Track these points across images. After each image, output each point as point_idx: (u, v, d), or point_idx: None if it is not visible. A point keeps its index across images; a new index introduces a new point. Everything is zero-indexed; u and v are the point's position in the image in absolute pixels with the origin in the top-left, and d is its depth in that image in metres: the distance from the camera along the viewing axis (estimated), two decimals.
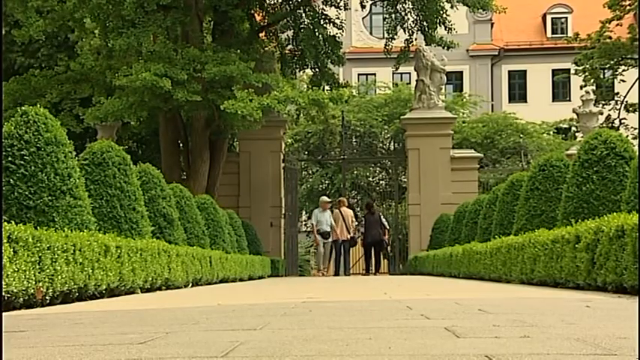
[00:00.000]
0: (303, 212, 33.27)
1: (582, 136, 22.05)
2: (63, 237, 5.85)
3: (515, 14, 41.82)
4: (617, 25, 30.79)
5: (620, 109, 33.21)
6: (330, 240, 21.81)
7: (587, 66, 31.76)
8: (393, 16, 22.71)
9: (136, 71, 18.00)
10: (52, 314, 4.60)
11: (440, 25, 21.91)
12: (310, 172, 34.49)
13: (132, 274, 7.55)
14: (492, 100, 45.06)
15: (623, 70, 32.47)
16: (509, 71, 47.59)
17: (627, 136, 16.19)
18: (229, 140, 23.53)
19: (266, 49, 21.80)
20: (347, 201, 23.62)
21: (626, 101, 32.96)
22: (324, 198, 22.75)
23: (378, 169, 34.69)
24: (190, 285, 10.61)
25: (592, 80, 32.21)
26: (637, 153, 7.91)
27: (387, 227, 22.92)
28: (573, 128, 35.63)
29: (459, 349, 2.33)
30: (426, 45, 23.37)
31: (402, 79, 40.19)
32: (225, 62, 18.39)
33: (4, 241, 4.92)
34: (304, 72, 25.58)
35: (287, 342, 2.60)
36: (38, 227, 5.83)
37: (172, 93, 17.99)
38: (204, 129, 20.74)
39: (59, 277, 5.67)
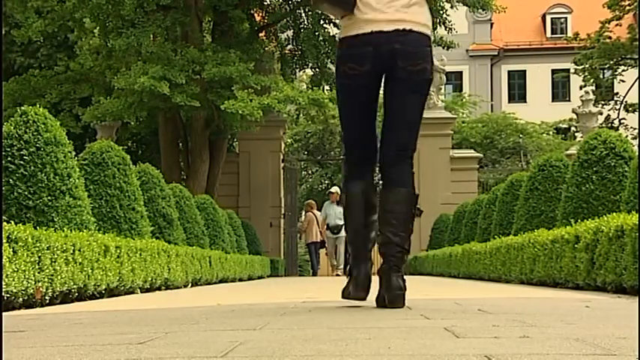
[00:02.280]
0: (303, 212, 33.31)
1: (582, 136, 22.08)
2: (62, 237, 5.85)
3: (515, 14, 41.85)
4: (617, 25, 30.82)
5: (619, 109, 33.24)
6: (343, 235, 19.78)
7: (587, 66, 31.79)
8: None
9: (135, 73, 18.01)
10: (51, 314, 4.60)
11: (440, 25, 21.92)
12: (310, 172, 34.54)
13: (131, 274, 7.55)
14: (492, 100, 45.11)
15: (623, 71, 32.50)
16: (509, 71, 47.65)
17: (627, 136, 16.19)
18: (229, 140, 23.56)
19: (266, 49, 21.81)
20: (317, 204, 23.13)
21: (626, 101, 32.99)
22: (336, 188, 21.11)
23: (376, 168, 34.69)
24: (190, 285, 10.61)
25: (591, 80, 32.24)
26: (636, 153, 7.92)
27: None
28: (573, 128, 35.67)
29: (458, 349, 2.33)
30: None
31: None
32: (224, 62, 18.40)
33: (4, 241, 4.92)
34: (304, 72, 25.60)
35: (286, 342, 2.60)
36: (38, 227, 5.83)
37: (171, 96, 18.00)
38: (203, 129, 20.75)
39: (59, 277, 5.67)
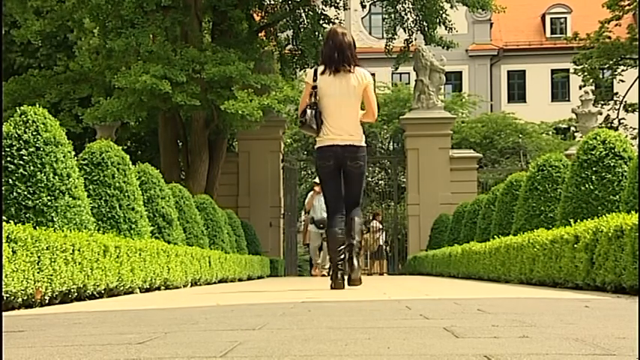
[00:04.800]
0: (302, 212, 33.32)
1: (581, 136, 22.08)
2: (62, 237, 5.84)
3: (515, 14, 41.88)
4: (616, 25, 30.83)
5: (619, 109, 33.24)
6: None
7: (587, 66, 31.80)
8: (393, 15, 22.72)
9: (135, 73, 18.00)
10: (50, 314, 4.60)
11: (440, 25, 21.93)
12: (309, 172, 34.50)
13: (131, 274, 7.55)
14: (491, 100, 45.10)
15: (622, 70, 32.51)
16: (509, 71, 47.64)
17: (626, 136, 16.14)
18: (228, 140, 23.56)
19: (265, 48, 21.82)
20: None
21: (625, 101, 33.00)
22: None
23: (377, 169, 34.73)
24: (189, 285, 10.61)
25: (591, 80, 32.24)
26: (636, 153, 7.91)
27: None
28: (572, 128, 35.67)
29: (457, 349, 2.34)
30: (425, 45, 23.39)
31: (401, 79, 40.23)
32: (224, 62, 18.40)
33: (3, 241, 4.92)
34: (304, 72, 25.59)
35: (286, 342, 2.61)
36: (37, 227, 5.83)
37: (171, 95, 18.00)
38: (203, 129, 20.75)
39: (58, 277, 5.66)
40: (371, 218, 25.62)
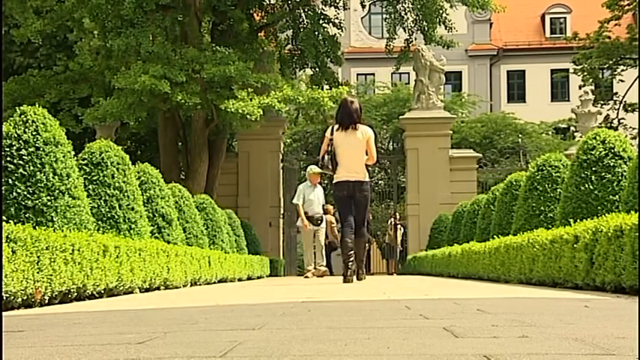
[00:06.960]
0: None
1: (581, 136, 22.07)
2: (61, 237, 5.84)
3: (514, 14, 41.84)
4: (616, 25, 30.84)
5: (618, 109, 33.25)
6: (323, 227, 15.20)
7: (586, 66, 31.80)
8: (393, 15, 22.71)
9: (135, 73, 18.00)
10: (50, 314, 4.60)
11: (440, 25, 21.93)
12: None
13: (130, 274, 7.55)
14: (491, 100, 45.07)
15: (622, 70, 32.51)
16: (508, 71, 47.61)
17: (626, 136, 16.09)
18: (228, 140, 23.56)
19: (265, 48, 21.82)
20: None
21: (625, 101, 33.00)
22: (314, 168, 14.46)
23: (376, 168, 34.72)
24: (189, 285, 10.61)
25: (591, 80, 32.25)
26: (636, 153, 7.90)
27: None
28: (572, 128, 35.66)
29: (457, 349, 2.34)
30: (425, 44, 23.39)
31: (400, 79, 40.21)
32: (224, 62, 18.40)
33: (3, 241, 4.92)
34: (304, 72, 25.60)
35: (286, 342, 2.61)
36: (37, 227, 5.82)
37: (171, 95, 17.99)
38: (203, 128, 20.74)
39: (58, 277, 5.66)
40: (389, 217, 26.10)
